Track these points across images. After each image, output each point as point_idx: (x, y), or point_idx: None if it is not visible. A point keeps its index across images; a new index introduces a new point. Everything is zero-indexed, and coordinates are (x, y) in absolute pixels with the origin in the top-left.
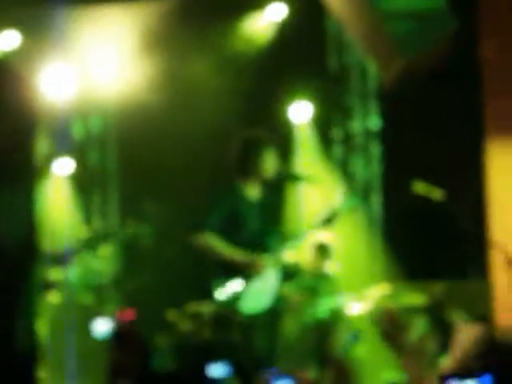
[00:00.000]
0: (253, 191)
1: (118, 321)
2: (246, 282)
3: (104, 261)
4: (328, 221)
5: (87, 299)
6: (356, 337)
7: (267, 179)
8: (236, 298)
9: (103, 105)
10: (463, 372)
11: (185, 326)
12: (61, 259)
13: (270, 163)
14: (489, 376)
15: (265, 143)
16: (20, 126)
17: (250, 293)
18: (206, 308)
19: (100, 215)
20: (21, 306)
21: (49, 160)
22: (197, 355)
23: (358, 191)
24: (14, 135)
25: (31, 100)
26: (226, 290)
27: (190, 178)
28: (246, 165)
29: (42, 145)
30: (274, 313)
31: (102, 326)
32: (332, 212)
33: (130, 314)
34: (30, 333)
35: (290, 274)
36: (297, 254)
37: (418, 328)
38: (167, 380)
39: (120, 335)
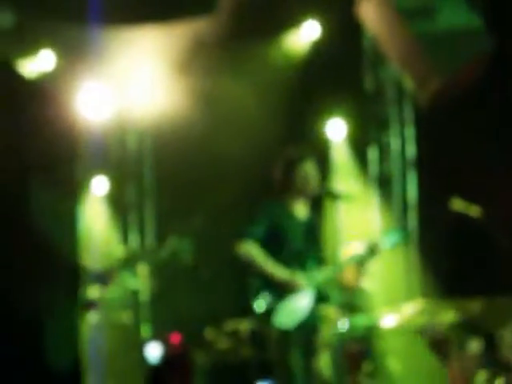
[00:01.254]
0: (297, 208)
1: (168, 345)
2: (283, 298)
3: (142, 280)
4: (365, 257)
5: (125, 318)
6: (369, 351)
7: (310, 196)
8: (272, 313)
9: (140, 124)
10: None
11: (223, 344)
12: (99, 278)
13: (312, 180)
14: None
15: (308, 160)
16: (58, 146)
17: (285, 309)
18: (243, 325)
19: (138, 233)
20: (63, 325)
21: (87, 179)
22: (235, 374)
23: (402, 227)
24: (52, 155)
25: (67, 120)
26: (261, 303)
27: (229, 195)
28: (290, 181)
29: (80, 164)
30: (311, 330)
31: (153, 350)
32: (370, 249)
33: (177, 337)
34: (71, 352)
35: (328, 291)
36: (335, 270)
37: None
38: None
39: (172, 360)
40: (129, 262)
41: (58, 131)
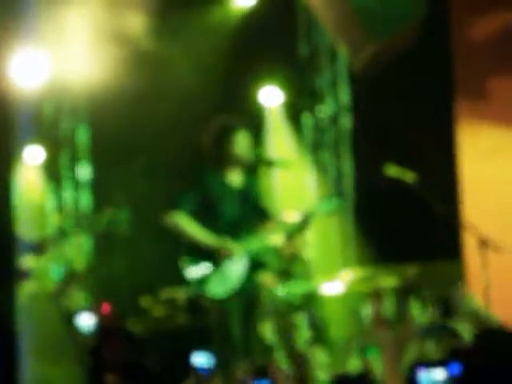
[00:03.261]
0: (229, 177)
1: (100, 315)
2: (216, 267)
3: (78, 248)
4: (303, 224)
5: (61, 287)
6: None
7: (243, 163)
8: (204, 281)
9: (74, 91)
10: (432, 360)
11: (159, 312)
12: (35, 247)
13: (245, 148)
14: (458, 365)
15: (239, 128)
16: None
17: (218, 277)
18: (180, 294)
19: (73, 203)
20: None
21: (20, 148)
22: (172, 342)
23: (336, 194)
24: None
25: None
26: (195, 272)
27: (164, 163)
28: (222, 150)
29: (12, 133)
30: (247, 298)
31: (85, 320)
32: (307, 216)
33: (107, 307)
34: (6, 320)
35: (264, 258)
36: (272, 237)
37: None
38: (153, 371)
39: (105, 330)
40: (65, 231)
41: None
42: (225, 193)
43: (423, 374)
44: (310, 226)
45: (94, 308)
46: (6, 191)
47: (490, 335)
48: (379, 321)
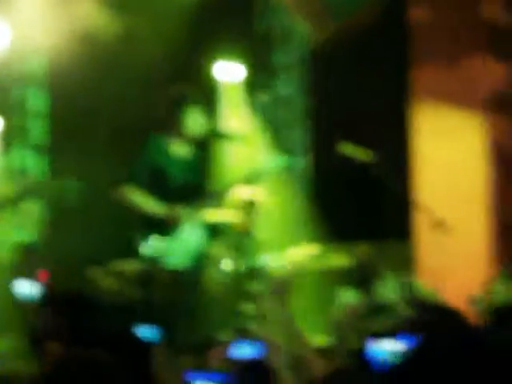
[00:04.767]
0: (179, 148)
1: (42, 283)
2: (168, 238)
3: (27, 218)
4: (253, 179)
5: (8, 257)
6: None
7: (193, 136)
8: (159, 254)
9: (33, 57)
10: (384, 333)
11: (107, 284)
12: None
13: (195, 120)
14: (409, 337)
15: (191, 100)
16: None
17: (173, 249)
18: (129, 266)
19: (23, 172)
20: None
21: None
22: (120, 315)
23: (287, 152)
24: None
25: None
26: (148, 245)
27: (116, 134)
28: (172, 122)
29: None
30: (198, 271)
31: (24, 288)
32: (258, 171)
33: (44, 275)
34: None
35: (215, 232)
36: (223, 211)
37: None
38: (96, 341)
39: (46, 298)
40: (14, 200)
41: None
42: (172, 163)
43: (373, 346)
44: (259, 182)
45: (31, 276)
46: None
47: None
48: None
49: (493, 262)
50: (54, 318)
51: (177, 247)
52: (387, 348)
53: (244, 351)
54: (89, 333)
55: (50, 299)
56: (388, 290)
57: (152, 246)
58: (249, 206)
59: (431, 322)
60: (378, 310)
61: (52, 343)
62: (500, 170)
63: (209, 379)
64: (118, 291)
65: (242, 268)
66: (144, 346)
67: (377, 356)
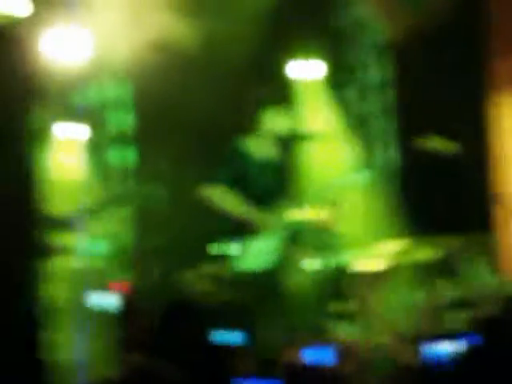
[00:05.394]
0: (263, 150)
1: (122, 294)
2: (249, 241)
3: (118, 224)
4: (336, 197)
5: (98, 265)
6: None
7: (278, 138)
8: (238, 256)
9: (118, 67)
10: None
11: (202, 287)
12: (72, 223)
13: (278, 121)
14: (472, 336)
15: (275, 102)
16: (17, 91)
17: (252, 251)
18: (222, 269)
19: (117, 179)
20: (19, 270)
21: (49, 125)
22: (211, 319)
23: (375, 167)
24: (9, 101)
25: (32, 65)
26: (229, 248)
27: (201, 137)
28: (256, 123)
29: (42, 109)
30: (279, 272)
31: (105, 299)
32: (343, 188)
33: (127, 287)
34: (33, 297)
35: (296, 232)
36: (306, 211)
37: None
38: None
39: (128, 309)
40: (106, 207)
41: (19, 77)
42: (258, 166)
43: (435, 346)
44: (340, 198)
45: (113, 287)
46: (25, 166)
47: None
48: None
49: None
50: (134, 329)
51: (257, 249)
52: (450, 348)
53: (317, 356)
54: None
55: (130, 311)
56: (476, 283)
57: (234, 247)
58: (333, 205)
59: (498, 319)
60: (462, 304)
61: (133, 354)
62: None
63: None
64: (213, 294)
65: (328, 267)
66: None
67: (444, 357)
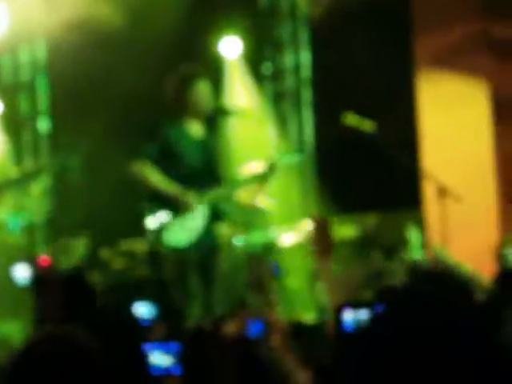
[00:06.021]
0: (192, 127)
1: (36, 266)
2: (175, 216)
3: (35, 199)
4: (264, 177)
5: (16, 239)
6: (278, 268)
7: (204, 114)
8: (163, 231)
9: (33, 41)
10: (359, 301)
11: (118, 264)
12: None
13: (205, 97)
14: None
15: (200, 78)
16: None
17: (177, 227)
18: (139, 245)
19: (31, 156)
20: None
21: None
22: (127, 294)
23: (297, 147)
24: None
25: None
26: (153, 221)
27: (123, 113)
28: (183, 99)
29: None
30: (207, 249)
31: (21, 272)
32: (269, 168)
33: (46, 260)
34: None
35: (222, 210)
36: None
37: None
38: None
39: (39, 281)
40: (21, 182)
41: None
42: (185, 142)
43: (349, 315)
44: (271, 178)
45: (31, 259)
46: None
47: (424, 277)
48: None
49: (500, 229)
50: (45, 300)
51: (186, 225)
52: (363, 317)
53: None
54: (82, 313)
55: (40, 281)
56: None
57: (161, 223)
58: (257, 183)
59: (399, 289)
60: (374, 278)
61: (46, 326)
62: (507, 136)
63: (165, 350)
64: (129, 271)
65: (252, 243)
66: (134, 323)
67: (351, 325)
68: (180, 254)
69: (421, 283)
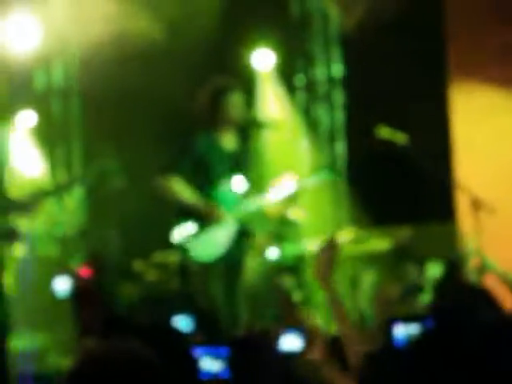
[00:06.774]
0: (224, 140)
1: (76, 278)
2: (202, 229)
3: (69, 211)
4: (294, 197)
5: (51, 251)
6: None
7: (236, 126)
8: (190, 244)
9: (66, 54)
10: (408, 315)
11: (151, 275)
12: (24, 208)
13: (239, 110)
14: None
15: (233, 90)
16: None
17: (205, 241)
18: (172, 257)
19: (65, 167)
20: None
21: (9, 112)
22: (163, 307)
23: (331, 166)
24: None
25: None
26: (180, 234)
27: (160, 125)
28: (216, 111)
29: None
30: (233, 263)
31: (61, 284)
32: (300, 188)
33: (86, 271)
34: None
35: (251, 224)
36: (263, 201)
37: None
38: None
39: (79, 293)
40: (56, 193)
41: None
42: (216, 154)
43: (400, 329)
44: (303, 194)
45: (71, 272)
46: None
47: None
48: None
49: None
50: (85, 313)
51: (214, 239)
52: (412, 332)
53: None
54: (124, 325)
55: (79, 295)
56: (428, 272)
57: (188, 236)
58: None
59: (450, 306)
60: (411, 293)
61: (85, 339)
62: None
63: (215, 355)
64: (161, 283)
65: (284, 255)
66: (179, 337)
67: (402, 340)
68: (206, 267)
69: (471, 300)
